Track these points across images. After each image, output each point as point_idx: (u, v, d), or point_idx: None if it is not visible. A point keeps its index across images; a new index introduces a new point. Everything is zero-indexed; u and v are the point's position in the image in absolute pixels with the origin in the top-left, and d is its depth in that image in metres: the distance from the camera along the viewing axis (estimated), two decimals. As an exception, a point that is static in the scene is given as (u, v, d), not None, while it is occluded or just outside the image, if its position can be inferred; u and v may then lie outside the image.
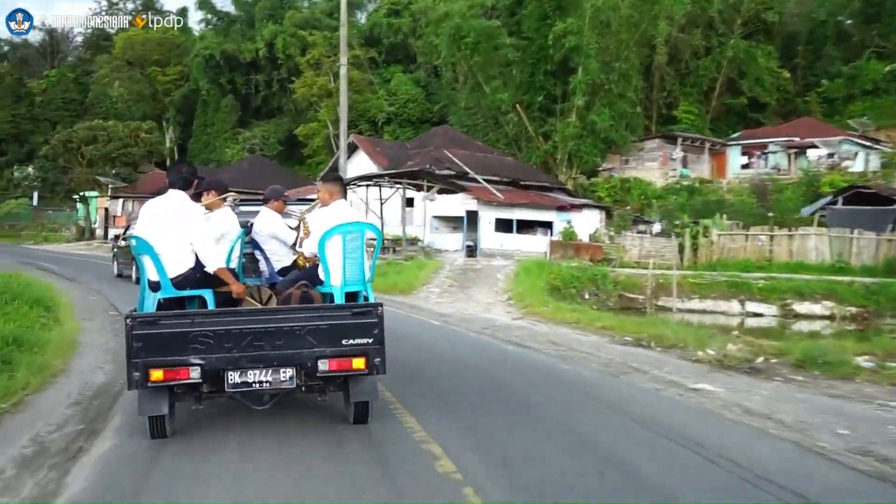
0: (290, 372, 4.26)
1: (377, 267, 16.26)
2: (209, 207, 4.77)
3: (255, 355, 4.20)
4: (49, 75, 58.63)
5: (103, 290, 13.57)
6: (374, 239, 5.81)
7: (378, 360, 4.42)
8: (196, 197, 4.69)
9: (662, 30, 30.93)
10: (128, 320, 4.10)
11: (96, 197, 41.58)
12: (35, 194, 54.18)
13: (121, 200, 38.76)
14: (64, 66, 64.08)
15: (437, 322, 10.76)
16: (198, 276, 4.32)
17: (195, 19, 56.52)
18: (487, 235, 23.79)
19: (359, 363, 4.37)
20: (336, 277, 4.68)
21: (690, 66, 35.99)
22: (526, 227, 24.94)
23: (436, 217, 24.91)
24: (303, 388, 4.54)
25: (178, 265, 4.26)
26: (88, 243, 36.37)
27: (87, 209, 42.16)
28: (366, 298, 4.87)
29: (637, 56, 31.99)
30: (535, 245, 23.38)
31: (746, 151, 34.12)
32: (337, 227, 4.67)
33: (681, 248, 21.47)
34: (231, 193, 4.80)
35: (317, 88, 38.99)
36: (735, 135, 35.57)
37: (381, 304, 4.55)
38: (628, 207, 28.63)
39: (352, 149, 27.80)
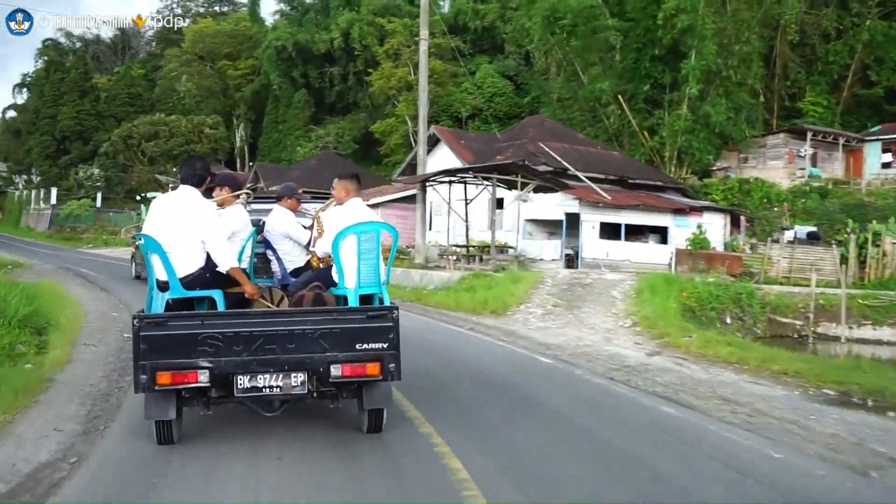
0: (301, 377, 4.64)
1: (463, 279, 15.79)
2: (221, 204, 5.28)
3: (266, 359, 4.59)
4: (118, 72, 63.83)
5: (132, 302, 12.80)
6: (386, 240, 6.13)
7: (393, 365, 4.77)
8: (208, 193, 5.17)
9: (793, 5, 29.80)
10: (135, 321, 4.55)
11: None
12: (98, 195, 57.08)
13: None
14: (131, 62, 69.57)
15: (546, 358, 9.02)
16: (208, 275, 4.80)
17: (268, 10, 60.06)
18: (590, 242, 22.69)
19: (373, 369, 4.72)
20: (350, 279, 5.12)
21: (818, 52, 34.34)
22: (634, 233, 23.83)
23: (529, 220, 23.82)
24: (314, 395, 4.91)
25: (187, 264, 4.74)
26: None
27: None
28: (381, 301, 5.26)
29: (759, 38, 30.87)
30: (649, 254, 22.38)
31: (888, 148, 32.22)
32: (352, 227, 5.11)
33: (842, 261, 19.60)
34: (245, 190, 5.31)
35: (395, 80, 40.03)
36: (874, 129, 33.64)
37: (396, 307, 4.93)
38: (775, 209, 27.36)
39: (432, 142, 27.77)
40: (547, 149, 25.02)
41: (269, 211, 5.84)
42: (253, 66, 56.93)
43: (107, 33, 79.67)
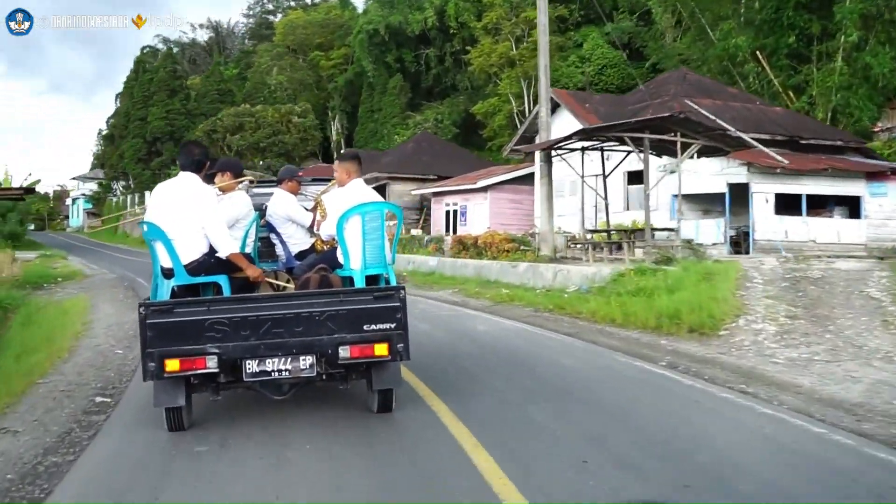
0: (310, 360, 5.27)
1: (619, 276, 13.80)
2: (223, 190, 6.03)
3: (274, 343, 5.23)
4: (222, 78, 68.57)
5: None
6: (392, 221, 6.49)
7: (401, 345, 5.36)
8: (210, 179, 5.93)
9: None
10: (141, 309, 5.24)
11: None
12: None
13: None
14: (220, 58, 74.47)
15: (852, 439, 5.19)
16: (212, 261, 5.53)
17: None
18: (764, 219, 20.24)
19: (381, 349, 5.31)
20: (356, 260, 5.78)
21: None
22: (814, 206, 21.03)
23: (677, 196, 19.56)
24: (323, 377, 5.55)
25: (191, 251, 5.48)
26: None
27: None
28: (387, 281, 5.90)
29: (930, -27, 29.79)
30: (838, 232, 20.16)
31: None
32: (356, 208, 5.76)
33: None
34: (248, 175, 6.03)
35: (496, 57, 40.58)
36: None
37: (403, 287, 5.54)
38: None
39: (554, 106, 25.92)
40: (695, 106, 22.38)
41: (270, 195, 6.57)
42: (345, 54, 59.59)
43: (202, 36, 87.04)
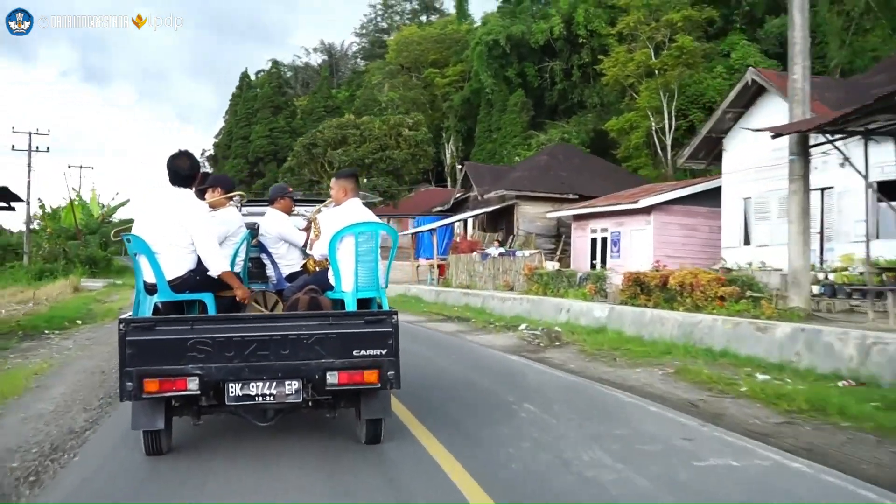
0: (296, 385, 5.70)
1: None
2: (213, 206, 6.62)
3: (259, 366, 5.68)
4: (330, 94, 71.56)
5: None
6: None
7: (392, 373, 5.78)
8: (200, 194, 6.53)
9: None
10: (121, 325, 5.73)
11: None
12: None
13: None
14: (329, 78, 77.74)
15: None
16: (198, 278, 6.06)
17: (477, 8, 64.20)
18: None
19: (371, 376, 5.72)
20: (348, 282, 6.27)
21: None
22: None
23: None
24: (310, 403, 5.98)
25: (176, 266, 6.01)
26: None
27: None
28: (379, 306, 6.36)
29: None
30: None
31: None
32: (349, 228, 6.26)
33: None
34: (239, 192, 6.57)
35: (633, 67, 40.06)
36: None
37: (395, 312, 5.96)
38: None
39: (752, 95, 21.79)
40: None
41: (263, 214, 7.17)
42: (462, 71, 61.60)
43: (315, 60, 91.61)
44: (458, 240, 38.19)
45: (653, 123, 39.73)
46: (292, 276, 6.91)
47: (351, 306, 6.23)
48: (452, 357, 12.91)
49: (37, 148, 49.63)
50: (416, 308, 25.25)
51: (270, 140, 71.33)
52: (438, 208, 46.50)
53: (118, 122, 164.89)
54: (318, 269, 6.61)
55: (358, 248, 6.19)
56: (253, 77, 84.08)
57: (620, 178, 37.36)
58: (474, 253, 31.71)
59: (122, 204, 59.85)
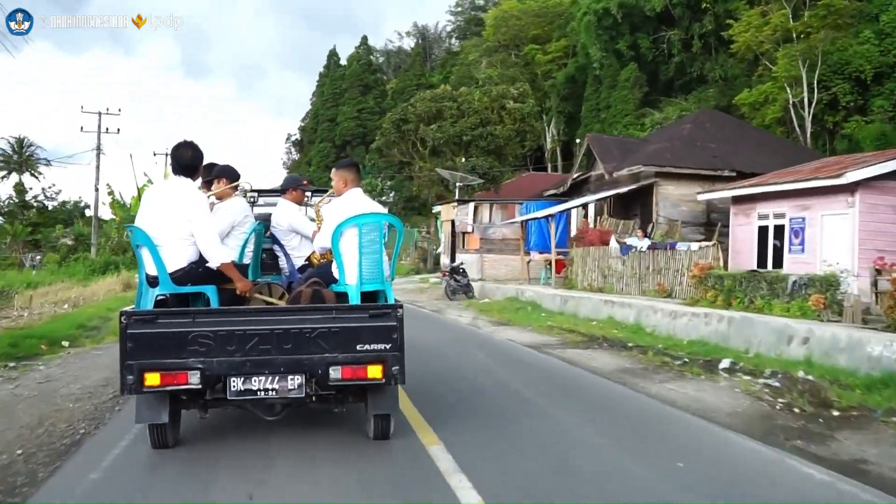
0: (298, 379, 6.00)
1: None
2: (220, 197, 6.91)
3: (261, 360, 5.98)
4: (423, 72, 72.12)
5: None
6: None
7: (396, 368, 6.03)
8: (207, 185, 6.82)
9: None
10: (122, 317, 6.04)
11: (444, 204, 43.04)
12: (385, 210, 67.83)
13: (471, 208, 37.35)
14: (418, 55, 78.45)
15: None
16: (200, 270, 6.33)
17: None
18: None
19: (375, 371, 6.02)
20: (351, 275, 6.44)
21: None
22: None
23: None
24: (313, 398, 6.26)
25: (178, 258, 6.29)
26: (424, 278, 39.04)
27: (436, 225, 45.42)
28: (385, 299, 6.53)
29: None
30: None
31: None
32: (352, 219, 6.44)
33: None
34: (247, 182, 7.02)
35: (768, 31, 37.74)
36: None
37: (401, 305, 6.14)
38: None
39: None
40: None
41: (275, 205, 7.46)
42: (566, 47, 60.53)
43: (408, 44, 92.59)
44: (583, 229, 30.75)
45: (790, 96, 37.30)
46: (304, 269, 7.18)
47: (355, 299, 6.43)
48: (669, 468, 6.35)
49: (106, 129, 49.00)
50: (537, 320, 19.37)
51: (358, 122, 72.12)
52: (552, 191, 38.39)
53: (216, 114, 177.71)
54: (322, 261, 6.87)
55: (361, 239, 6.40)
56: (343, 62, 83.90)
57: (790, 152, 31.19)
58: (611, 245, 25.59)
59: None
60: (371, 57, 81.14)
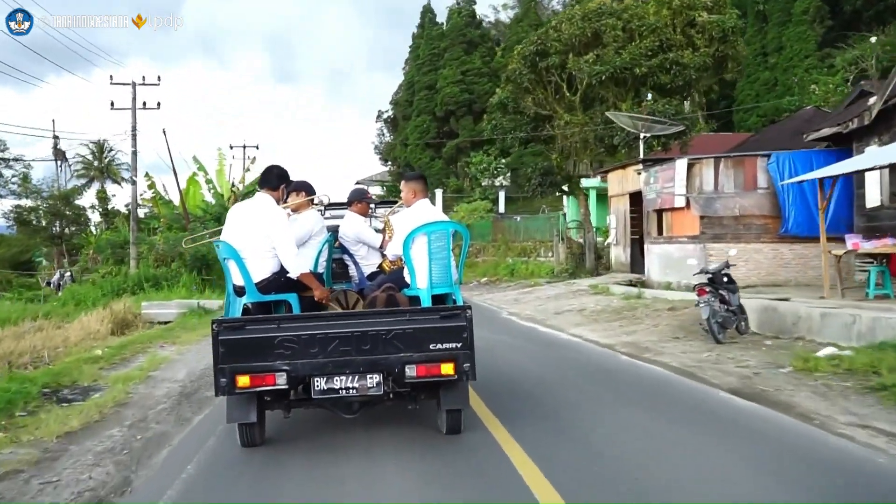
0: (377, 378, 7.25)
1: None
2: (296, 209, 8.22)
3: (342, 360, 7.22)
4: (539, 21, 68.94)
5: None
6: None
7: (467, 365, 7.23)
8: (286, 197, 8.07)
9: None
10: (214, 325, 7.27)
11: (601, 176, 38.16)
12: (501, 195, 59.93)
13: (681, 168, 26.10)
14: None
15: None
16: (282, 280, 7.57)
17: None
18: None
19: (447, 368, 7.27)
20: (422, 279, 7.65)
21: None
22: None
23: None
24: (391, 395, 7.50)
25: (262, 269, 7.56)
26: (596, 286, 28.70)
27: (586, 204, 38.31)
28: (454, 301, 7.74)
29: None
30: None
31: None
32: (421, 228, 7.63)
33: None
34: (325, 195, 9.14)
35: None
36: None
37: (469, 307, 7.26)
38: None
39: None
40: None
41: (342, 217, 8.94)
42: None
43: (506, 17, 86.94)
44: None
45: None
46: (373, 276, 8.61)
47: (426, 302, 7.69)
48: None
49: (143, 104, 42.40)
50: None
51: (463, 87, 69.03)
52: (825, 132, 23.66)
53: (306, 117, 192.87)
54: (393, 268, 8.24)
55: (431, 246, 7.71)
56: (441, 21, 77.25)
57: None
58: None
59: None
60: (474, 7, 75.75)
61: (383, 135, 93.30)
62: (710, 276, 15.97)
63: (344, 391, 7.49)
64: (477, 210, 54.29)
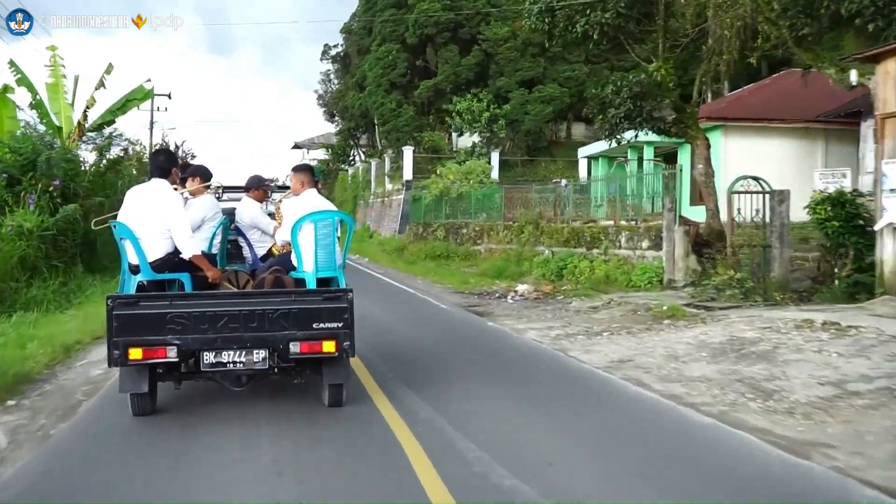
0: (262, 353, 8.75)
1: None
2: (193, 193, 9.42)
3: (230, 337, 8.64)
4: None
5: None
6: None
7: (347, 343, 8.72)
8: (182, 182, 9.38)
9: None
10: (108, 301, 8.63)
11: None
12: (494, 156, 51.77)
13: None
14: None
15: None
16: (175, 260, 8.84)
17: None
18: None
19: (329, 346, 8.79)
20: (308, 264, 8.96)
21: None
22: None
23: None
24: (275, 370, 8.93)
25: (156, 249, 8.91)
26: (694, 285, 21.60)
27: (707, 154, 24.77)
28: (337, 284, 9.12)
29: None
30: None
31: None
32: (308, 216, 8.91)
33: None
34: (218, 182, 10.73)
35: None
36: None
37: (350, 290, 8.62)
38: None
39: None
40: None
41: (240, 200, 10.22)
42: None
43: None
44: None
45: None
46: (265, 257, 10.16)
47: (311, 285, 9.26)
48: None
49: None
50: None
51: (447, 2, 57.30)
52: None
53: (241, 90, 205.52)
54: (282, 251, 9.80)
55: (317, 233, 9.29)
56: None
57: None
58: None
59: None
60: None
61: (330, 81, 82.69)
62: None
63: (231, 365, 9.16)
64: (473, 173, 46.25)
